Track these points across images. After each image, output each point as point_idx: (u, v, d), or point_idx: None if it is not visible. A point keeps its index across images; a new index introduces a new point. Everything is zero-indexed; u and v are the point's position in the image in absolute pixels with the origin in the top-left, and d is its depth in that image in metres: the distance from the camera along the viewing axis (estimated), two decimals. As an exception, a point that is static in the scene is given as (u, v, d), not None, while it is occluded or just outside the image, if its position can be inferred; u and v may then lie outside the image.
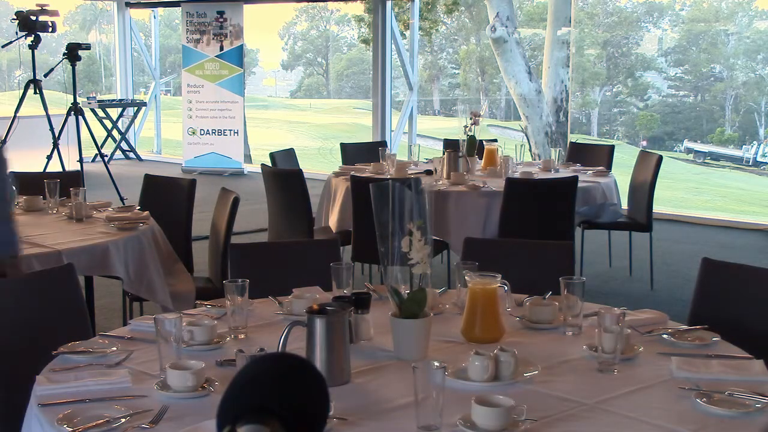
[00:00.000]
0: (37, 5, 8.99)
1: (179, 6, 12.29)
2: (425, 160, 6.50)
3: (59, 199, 4.42)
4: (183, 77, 12.10)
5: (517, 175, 5.70)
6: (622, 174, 6.45)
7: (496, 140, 6.93)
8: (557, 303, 2.60)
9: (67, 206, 4.29)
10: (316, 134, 25.63)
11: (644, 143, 20.89)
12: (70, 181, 4.74)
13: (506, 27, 13.94)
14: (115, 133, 13.20)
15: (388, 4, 11.00)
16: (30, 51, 8.97)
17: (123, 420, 1.87)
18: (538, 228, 4.94)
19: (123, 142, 13.32)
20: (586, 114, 23.11)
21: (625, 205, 6.22)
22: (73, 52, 8.60)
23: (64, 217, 4.20)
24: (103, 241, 3.69)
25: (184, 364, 2.08)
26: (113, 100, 14.02)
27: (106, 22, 23.88)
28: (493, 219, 5.16)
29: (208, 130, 11.92)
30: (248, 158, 13.29)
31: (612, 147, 6.95)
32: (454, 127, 6.23)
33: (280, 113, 29.18)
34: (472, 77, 26.13)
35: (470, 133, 6.00)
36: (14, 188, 3.53)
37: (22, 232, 3.86)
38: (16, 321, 2.70)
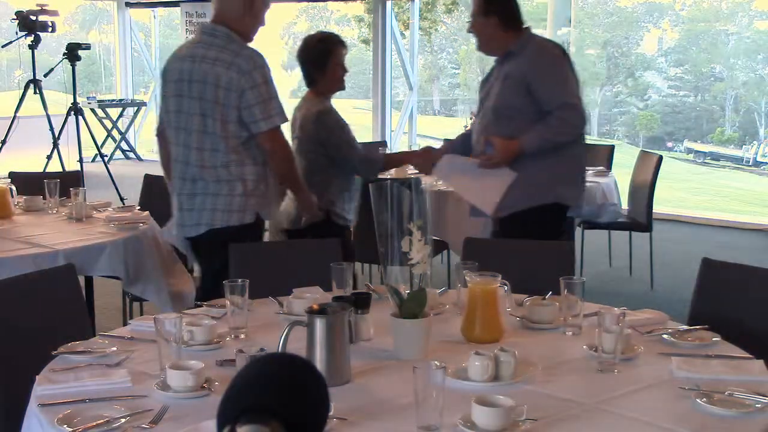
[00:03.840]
0: (37, 5, 8.99)
1: (179, 6, 12.28)
2: (425, 160, 6.47)
3: (59, 199, 4.40)
4: (183, 77, 12.08)
5: (517, 175, 5.68)
6: (622, 174, 6.44)
7: (496, 140, 6.91)
8: (557, 303, 2.60)
9: (67, 206, 4.29)
10: (317, 134, 25.54)
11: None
12: (70, 181, 4.73)
13: (506, 27, 13.91)
14: (115, 133, 13.18)
15: (388, 4, 10.99)
16: (30, 51, 8.98)
17: (123, 420, 1.87)
18: (538, 228, 4.92)
19: (123, 142, 13.30)
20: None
21: (625, 205, 6.22)
22: (73, 52, 8.60)
23: (64, 217, 4.20)
24: (103, 242, 3.69)
25: (184, 364, 2.08)
26: (113, 100, 14.00)
27: (106, 22, 23.87)
28: (493, 219, 5.14)
29: (208, 130, 11.88)
30: (248, 158, 13.24)
31: (612, 147, 6.95)
32: (454, 127, 6.23)
33: (280, 113, 29.11)
34: (472, 77, 26.09)
35: (470, 133, 5.99)
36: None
37: (22, 232, 3.88)
38: (16, 321, 2.70)
